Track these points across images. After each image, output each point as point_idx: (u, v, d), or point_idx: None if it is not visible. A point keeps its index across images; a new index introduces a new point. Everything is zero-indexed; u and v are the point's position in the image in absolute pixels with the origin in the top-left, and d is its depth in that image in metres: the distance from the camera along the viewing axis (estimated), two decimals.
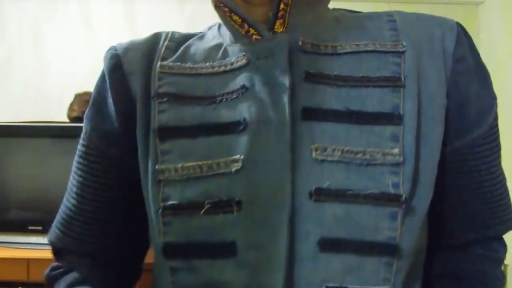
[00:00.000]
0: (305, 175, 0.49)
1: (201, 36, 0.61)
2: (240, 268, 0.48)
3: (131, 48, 0.59)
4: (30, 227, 1.94)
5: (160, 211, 0.51)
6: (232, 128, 0.51)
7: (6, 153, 2.03)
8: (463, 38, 0.57)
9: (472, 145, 0.57)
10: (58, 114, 2.27)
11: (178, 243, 0.50)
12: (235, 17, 0.55)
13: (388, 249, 0.50)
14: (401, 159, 0.50)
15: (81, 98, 2.03)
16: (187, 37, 0.61)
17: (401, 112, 0.52)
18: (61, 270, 0.60)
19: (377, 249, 0.49)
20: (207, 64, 0.56)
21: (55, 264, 0.62)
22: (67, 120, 2.09)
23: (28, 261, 1.85)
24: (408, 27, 0.56)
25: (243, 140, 0.50)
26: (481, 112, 0.57)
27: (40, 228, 1.95)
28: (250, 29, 0.55)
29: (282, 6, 0.54)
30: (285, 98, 0.50)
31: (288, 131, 0.49)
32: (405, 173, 0.50)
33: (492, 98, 0.59)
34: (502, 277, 0.59)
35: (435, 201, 0.54)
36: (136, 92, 0.56)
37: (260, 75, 0.52)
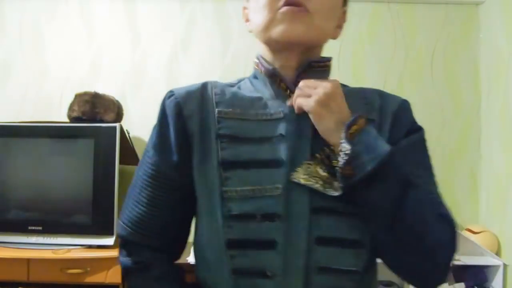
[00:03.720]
0: (316, 195, 0.76)
1: (238, 87, 0.87)
2: (278, 255, 0.74)
3: (188, 97, 0.83)
4: (30, 227, 1.93)
5: (225, 218, 0.76)
6: (273, 164, 0.77)
7: (6, 153, 2.03)
8: (404, 108, 0.85)
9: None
10: (58, 114, 2.27)
11: (237, 239, 0.76)
12: (283, 84, 0.82)
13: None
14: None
15: (81, 98, 2.02)
16: (226, 85, 0.86)
17: None
18: (140, 264, 0.83)
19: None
20: (252, 112, 0.81)
21: (129, 258, 0.84)
22: (67, 120, 2.08)
23: (28, 261, 1.85)
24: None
25: (281, 173, 0.76)
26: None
27: (40, 228, 1.95)
28: (290, 94, 0.81)
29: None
30: (307, 146, 0.78)
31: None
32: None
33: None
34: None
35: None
36: (193, 131, 0.81)
37: (291, 127, 0.79)
